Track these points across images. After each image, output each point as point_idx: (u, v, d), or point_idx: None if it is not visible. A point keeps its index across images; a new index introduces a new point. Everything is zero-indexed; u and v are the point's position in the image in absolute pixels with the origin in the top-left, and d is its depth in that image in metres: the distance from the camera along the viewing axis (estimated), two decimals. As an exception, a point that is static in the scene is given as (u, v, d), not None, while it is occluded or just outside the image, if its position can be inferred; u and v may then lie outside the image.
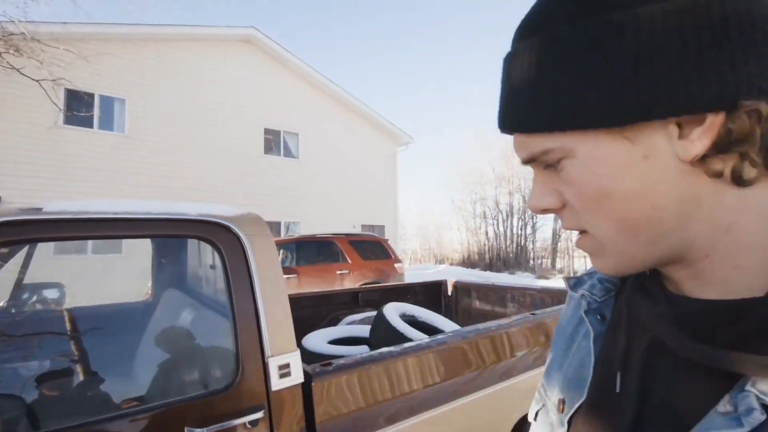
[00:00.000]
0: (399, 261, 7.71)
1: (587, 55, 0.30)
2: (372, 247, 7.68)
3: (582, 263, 20.64)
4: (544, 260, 22.72)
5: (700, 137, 0.29)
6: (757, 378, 0.27)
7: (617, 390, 0.38)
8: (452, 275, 10.43)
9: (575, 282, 0.50)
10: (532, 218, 23.55)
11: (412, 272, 15.60)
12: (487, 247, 26.00)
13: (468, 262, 26.57)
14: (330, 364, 1.36)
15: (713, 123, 0.28)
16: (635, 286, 0.40)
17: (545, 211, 0.38)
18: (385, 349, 1.49)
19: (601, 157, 0.32)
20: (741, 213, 0.30)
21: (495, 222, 25.77)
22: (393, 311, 2.43)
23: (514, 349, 1.78)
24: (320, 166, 12.52)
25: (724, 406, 0.28)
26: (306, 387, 1.26)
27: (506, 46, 0.37)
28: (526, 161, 0.37)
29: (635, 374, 0.36)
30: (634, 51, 0.28)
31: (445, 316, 3.79)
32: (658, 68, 0.28)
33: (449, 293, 3.98)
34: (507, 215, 24.75)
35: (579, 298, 0.48)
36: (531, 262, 21.77)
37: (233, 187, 10.82)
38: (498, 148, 24.73)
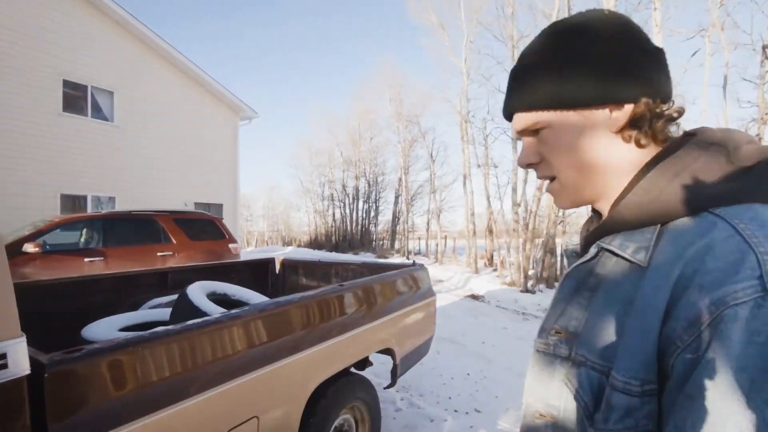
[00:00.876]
0: (233, 241, 7.23)
1: (565, 68, 0.53)
2: (202, 227, 7.01)
3: (415, 244, 22.86)
4: (385, 241, 24.40)
5: (621, 117, 0.51)
6: (602, 238, 0.54)
7: (585, 305, 0.56)
8: (298, 256, 10.38)
9: (568, 240, 0.72)
10: (376, 202, 24.98)
11: (257, 255, 14.88)
12: (334, 229, 26.60)
13: (315, 244, 26.79)
14: (80, 349, 1.13)
15: (627, 109, 0.51)
16: (585, 226, 0.64)
17: (529, 165, 0.59)
18: (162, 328, 1.32)
19: (567, 126, 0.53)
20: (635, 160, 0.53)
21: (342, 205, 26.51)
22: (198, 291, 2.22)
23: (317, 319, 1.79)
24: (143, 134, 10.77)
25: (587, 256, 0.55)
26: (35, 380, 1.02)
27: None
28: (521, 131, 0.59)
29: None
30: (589, 68, 0.51)
31: (272, 293, 3.69)
32: (605, 78, 0.51)
33: (277, 271, 3.88)
34: (353, 198, 25.69)
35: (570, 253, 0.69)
36: (374, 243, 23.12)
37: (24, 150, 8.54)
38: (346, 133, 25.34)
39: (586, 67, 0.51)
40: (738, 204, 0.44)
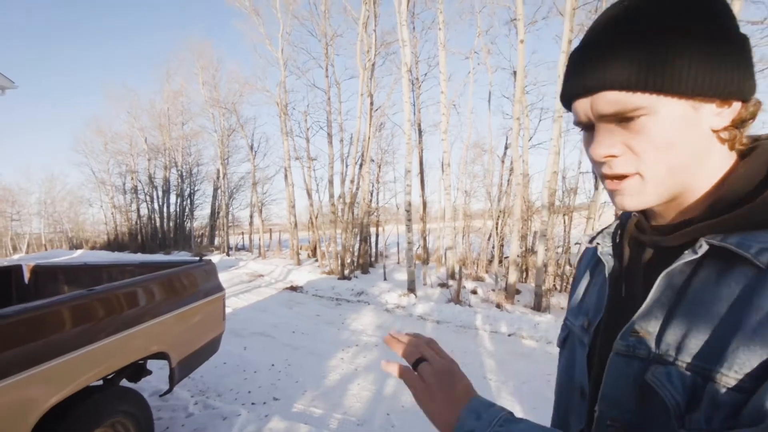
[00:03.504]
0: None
1: (697, 47, 0.43)
2: None
3: (239, 239, 21.69)
4: (204, 238, 22.43)
5: (727, 115, 0.45)
6: (705, 235, 0.46)
7: (623, 294, 0.54)
8: (81, 260, 8.66)
9: (587, 239, 0.66)
10: (191, 196, 22.64)
11: (28, 262, 11.74)
12: (139, 227, 23.06)
13: (116, 245, 22.75)
14: None
15: (735, 108, 0.45)
16: (634, 228, 0.57)
17: (608, 157, 0.47)
18: None
19: (675, 117, 0.44)
20: (721, 164, 0.48)
21: (149, 199, 23.15)
22: None
23: (43, 333, 1.53)
24: None
25: (688, 254, 0.46)
26: None
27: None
28: (606, 116, 0.47)
29: (640, 276, 0.53)
30: (718, 54, 0.43)
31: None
32: (728, 68, 0.43)
33: (26, 280, 3.16)
34: (164, 192, 22.72)
35: (594, 248, 0.63)
36: (191, 240, 20.96)
37: None
38: (150, 117, 22.10)
39: (725, 46, 0.43)
40: None
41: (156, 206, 22.98)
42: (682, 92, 0.43)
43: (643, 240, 0.54)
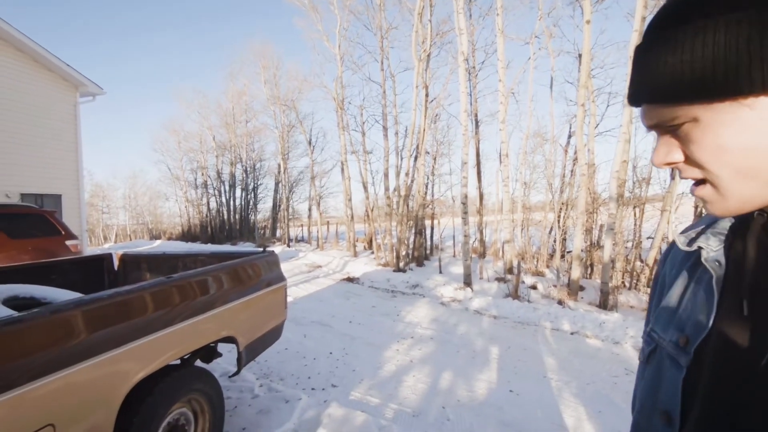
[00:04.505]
0: (72, 237, 6.28)
1: (725, 44, 0.39)
2: (28, 222, 5.94)
3: (298, 231, 22.58)
4: (267, 230, 23.60)
5: None
6: None
7: (745, 314, 0.44)
8: (161, 250, 9.50)
9: (687, 240, 0.55)
10: (255, 190, 23.89)
11: (117, 251, 13.07)
12: (209, 219, 24.76)
13: (189, 236, 24.66)
14: None
15: None
16: (759, 229, 0.47)
17: (670, 164, 0.46)
18: None
19: (724, 121, 0.40)
20: None
21: (217, 193, 24.76)
22: (-11, 296, 1.93)
23: (131, 316, 1.71)
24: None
25: None
26: None
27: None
28: (653, 127, 0.47)
29: None
30: (760, 46, 0.38)
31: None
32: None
33: (116, 268, 3.53)
34: (230, 186, 24.17)
35: (692, 252, 0.54)
36: (254, 232, 22.18)
37: None
38: (218, 115, 23.56)
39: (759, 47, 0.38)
40: None
41: (223, 200, 24.54)
42: (718, 95, 0.40)
43: None
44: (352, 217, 13.76)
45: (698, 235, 0.53)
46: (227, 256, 3.10)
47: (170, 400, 1.99)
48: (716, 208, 0.46)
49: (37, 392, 1.34)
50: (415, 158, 10.58)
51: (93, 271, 3.42)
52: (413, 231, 10.82)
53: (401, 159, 11.73)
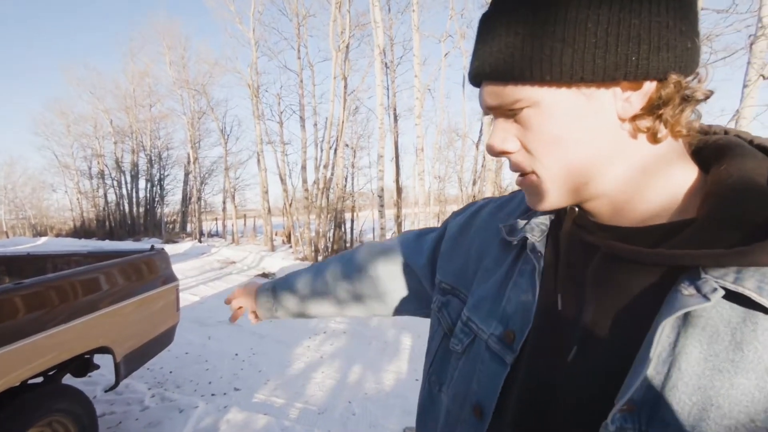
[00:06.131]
0: None
1: (570, 22, 0.35)
2: None
3: (212, 225, 21.24)
4: (176, 224, 21.88)
5: (637, 100, 0.37)
6: (708, 268, 0.34)
7: (559, 308, 0.43)
8: (56, 249, 8.32)
9: (510, 229, 0.51)
10: (161, 181, 21.93)
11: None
12: (107, 213, 22.26)
13: (82, 232, 21.94)
14: None
15: (648, 90, 0.37)
16: (570, 223, 0.46)
17: (502, 153, 0.43)
18: None
19: (562, 108, 0.38)
20: (651, 159, 0.39)
21: (116, 184, 22.31)
22: None
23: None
24: None
25: (687, 289, 0.34)
26: None
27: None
28: (492, 108, 0.42)
29: (589, 290, 0.41)
30: (605, 29, 0.35)
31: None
32: (620, 43, 0.35)
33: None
34: (132, 177, 21.93)
35: (515, 243, 0.50)
36: (162, 227, 20.39)
37: None
38: (114, 98, 21.12)
39: (602, 31, 0.35)
40: None
41: (125, 192, 22.21)
42: (559, 78, 0.37)
43: (592, 241, 0.43)
44: (269, 210, 13.26)
45: (521, 224, 0.51)
46: (108, 256, 2.76)
47: (23, 425, 1.71)
48: (535, 200, 0.44)
49: None
50: (335, 150, 10.46)
51: (-70, 278, 2.84)
52: (333, 224, 10.73)
53: (320, 151, 11.53)
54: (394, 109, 11.85)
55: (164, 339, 2.66)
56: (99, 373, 2.63)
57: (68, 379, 2.23)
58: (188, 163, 19.30)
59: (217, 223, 20.97)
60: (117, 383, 2.26)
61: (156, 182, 21.83)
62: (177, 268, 9.71)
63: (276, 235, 13.91)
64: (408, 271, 0.72)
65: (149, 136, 20.90)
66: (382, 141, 7.82)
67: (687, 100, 0.37)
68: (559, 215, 0.49)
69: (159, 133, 21.50)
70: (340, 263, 0.82)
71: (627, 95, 0.37)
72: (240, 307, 0.92)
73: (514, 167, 0.43)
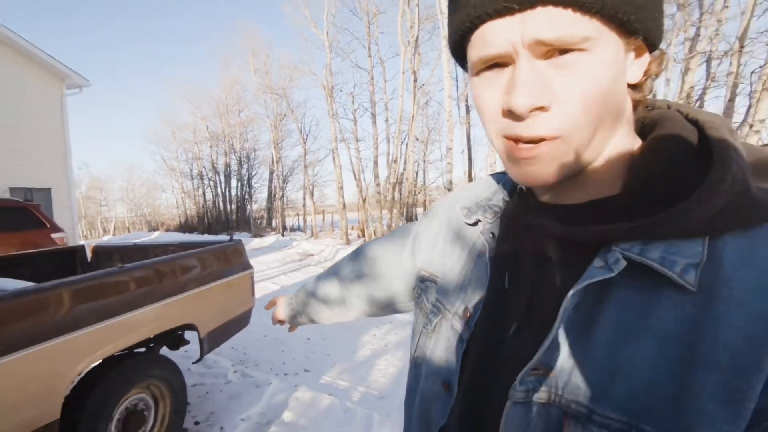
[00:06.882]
0: (58, 230, 6.32)
1: None
2: (12, 216, 5.97)
3: (294, 220, 22.62)
4: (263, 219, 23.65)
5: (640, 69, 0.38)
6: (618, 241, 0.35)
7: (506, 286, 0.45)
8: (153, 241, 9.49)
9: (467, 212, 0.54)
10: (249, 180, 23.86)
11: (90, 243, 13.13)
12: (206, 210, 24.80)
13: (186, 227, 24.74)
14: None
15: (646, 61, 0.38)
16: (518, 204, 0.48)
17: (537, 109, 0.34)
18: None
19: (616, 59, 0.35)
20: (624, 132, 0.39)
21: (213, 183, 24.75)
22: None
23: (74, 305, 1.74)
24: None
25: (598, 262, 0.36)
26: None
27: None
28: (545, 43, 0.33)
29: (528, 268, 0.43)
30: None
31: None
32: (660, 8, 0.36)
33: (89, 260, 3.57)
34: (225, 176, 24.16)
35: (472, 225, 0.53)
36: (251, 222, 22.25)
37: None
38: (210, 105, 23.39)
39: None
40: None
41: (219, 190, 24.54)
42: (624, 23, 0.33)
43: (534, 223, 0.44)
44: (344, 206, 13.78)
45: (477, 207, 0.53)
46: (195, 246, 3.13)
47: (125, 386, 2.05)
48: (550, 170, 0.37)
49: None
50: (405, 145, 10.56)
51: (67, 263, 3.46)
52: (404, 218, 10.86)
53: (392, 146, 11.71)
54: (466, 100, 11.61)
55: (241, 321, 2.96)
56: (194, 349, 3.01)
57: (166, 353, 2.60)
58: (272, 162, 20.75)
59: (298, 218, 22.31)
60: (201, 357, 2.58)
61: (245, 181, 23.84)
62: (262, 259, 10.43)
63: (351, 229, 14.43)
64: (403, 257, 0.74)
65: (239, 139, 22.87)
66: (450, 133, 7.74)
67: (658, 75, 0.40)
68: (511, 194, 0.52)
69: (247, 135, 23.44)
70: (350, 255, 0.86)
71: (639, 62, 0.37)
72: (281, 320, 1.01)
73: (536, 131, 0.35)
